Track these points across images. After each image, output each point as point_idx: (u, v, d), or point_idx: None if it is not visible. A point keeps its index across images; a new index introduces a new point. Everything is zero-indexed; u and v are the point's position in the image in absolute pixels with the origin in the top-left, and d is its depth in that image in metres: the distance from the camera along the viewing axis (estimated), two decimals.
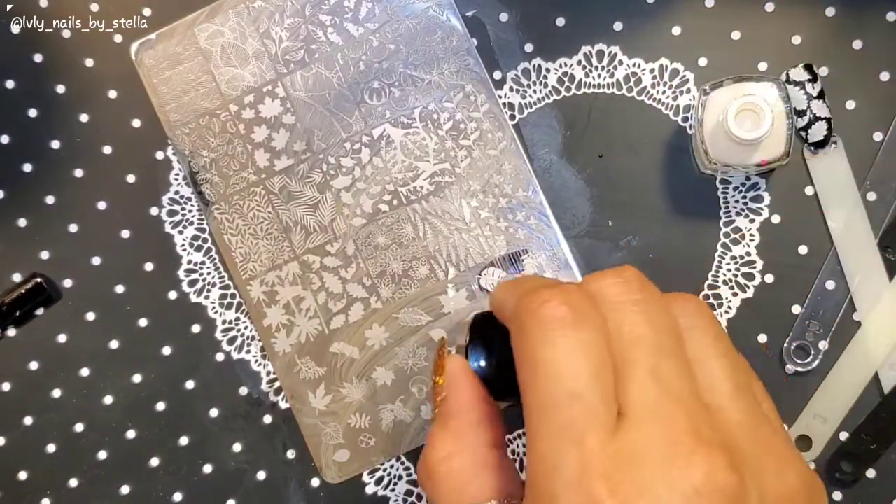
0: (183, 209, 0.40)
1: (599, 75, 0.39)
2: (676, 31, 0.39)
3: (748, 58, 0.39)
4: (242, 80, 0.39)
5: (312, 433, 0.39)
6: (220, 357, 0.40)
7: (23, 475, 0.40)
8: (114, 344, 0.40)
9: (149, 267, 0.40)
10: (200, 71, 0.39)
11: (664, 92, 0.39)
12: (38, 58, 0.40)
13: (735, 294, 0.39)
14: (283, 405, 0.40)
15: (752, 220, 0.39)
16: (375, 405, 0.39)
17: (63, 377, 0.40)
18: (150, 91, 0.40)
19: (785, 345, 0.38)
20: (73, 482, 0.40)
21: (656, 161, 0.39)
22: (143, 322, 0.40)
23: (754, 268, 0.39)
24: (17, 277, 0.40)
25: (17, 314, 0.40)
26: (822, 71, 0.38)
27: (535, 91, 0.39)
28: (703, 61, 0.39)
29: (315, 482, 0.40)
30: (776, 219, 0.38)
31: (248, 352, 0.40)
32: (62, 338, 0.40)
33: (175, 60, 0.39)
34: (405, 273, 0.39)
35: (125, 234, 0.40)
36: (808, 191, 0.38)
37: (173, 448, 0.40)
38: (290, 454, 0.40)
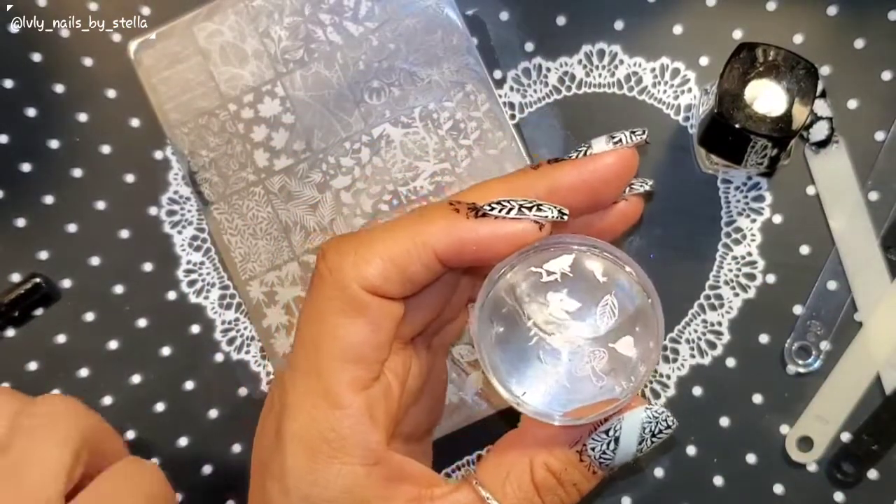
0: (182, 209, 0.40)
1: (600, 75, 0.39)
2: (678, 30, 0.39)
3: None
4: (241, 80, 0.39)
5: None
6: (219, 358, 0.40)
7: None
8: (113, 344, 0.40)
9: (148, 267, 0.40)
10: (199, 70, 0.39)
11: (665, 91, 0.39)
12: (36, 57, 0.40)
13: (736, 294, 0.38)
14: None
15: (754, 220, 0.38)
16: None
17: (62, 377, 0.40)
18: (149, 90, 0.39)
19: (786, 345, 0.38)
20: None
21: (657, 161, 0.39)
22: (142, 322, 0.40)
23: (756, 268, 0.38)
24: (15, 277, 0.40)
25: (16, 314, 0.40)
26: (824, 70, 0.38)
27: (535, 90, 0.39)
28: (704, 61, 0.39)
29: None
30: (777, 219, 0.38)
31: (247, 352, 0.40)
32: (61, 338, 0.40)
33: (174, 60, 0.39)
34: None
35: (124, 234, 0.40)
36: (810, 191, 0.38)
37: (173, 448, 0.40)
38: None
